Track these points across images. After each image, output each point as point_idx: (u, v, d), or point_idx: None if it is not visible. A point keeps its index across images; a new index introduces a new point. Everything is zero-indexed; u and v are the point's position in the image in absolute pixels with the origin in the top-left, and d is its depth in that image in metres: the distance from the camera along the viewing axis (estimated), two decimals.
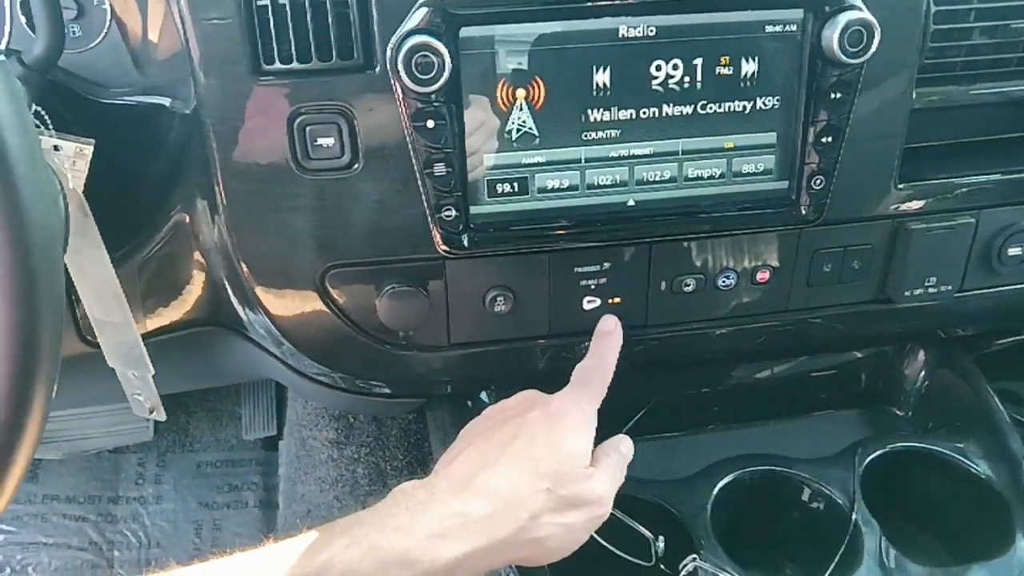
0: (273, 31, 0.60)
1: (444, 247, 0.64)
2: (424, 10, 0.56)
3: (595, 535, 0.65)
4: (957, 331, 0.89)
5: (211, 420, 1.42)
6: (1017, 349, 0.98)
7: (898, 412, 0.92)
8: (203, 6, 0.60)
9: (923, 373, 0.91)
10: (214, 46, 0.61)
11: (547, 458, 0.60)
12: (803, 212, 0.66)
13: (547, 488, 0.59)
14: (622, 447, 0.66)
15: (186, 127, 0.67)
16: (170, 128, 0.70)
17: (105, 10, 0.70)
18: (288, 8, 0.59)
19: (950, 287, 0.79)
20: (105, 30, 0.71)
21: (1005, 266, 0.79)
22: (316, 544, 0.53)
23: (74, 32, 0.71)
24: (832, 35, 0.60)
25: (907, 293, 0.78)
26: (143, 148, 0.71)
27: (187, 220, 0.70)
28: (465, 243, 0.64)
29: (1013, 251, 0.79)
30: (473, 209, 0.63)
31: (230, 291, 0.72)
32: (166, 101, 0.70)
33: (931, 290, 0.78)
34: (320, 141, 0.63)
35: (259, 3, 0.59)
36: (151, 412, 0.70)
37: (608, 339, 0.70)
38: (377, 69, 0.61)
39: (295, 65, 0.61)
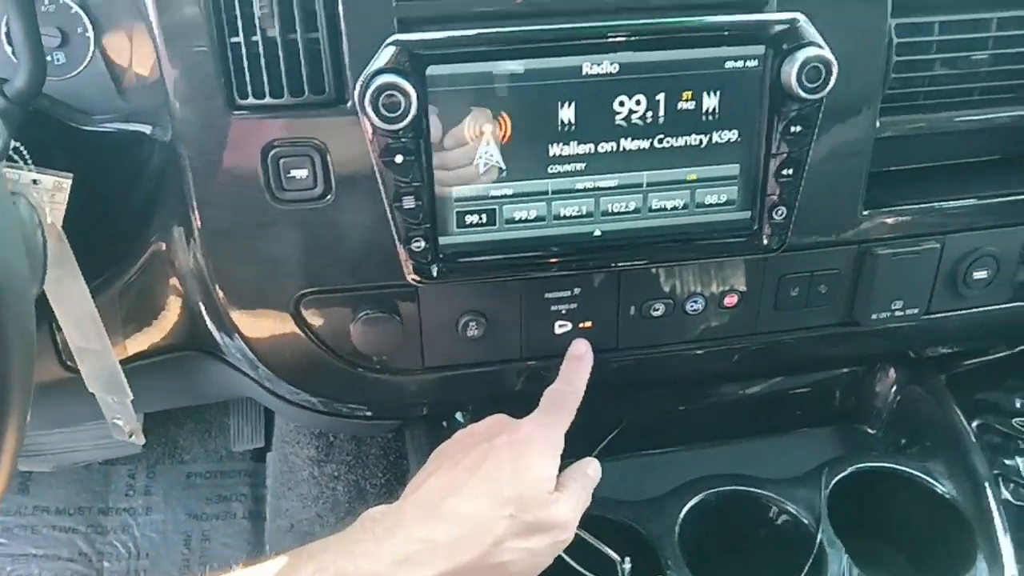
0: (246, 67, 0.61)
1: (413, 277, 0.65)
2: (392, 49, 0.58)
3: (563, 555, 0.66)
4: (926, 352, 0.90)
5: (200, 432, 1.44)
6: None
7: (869, 430, 0.94)
8: (178, 41, 0.61)
9: (893, 392, 0.93)
10: (189, 80, 0.62)
11: (512, 483, 0.61)
12: (765, 242, 0.68)
13: (510, 514, 0.60)
14: (589, 470, 0.68)
15: (165, 154, 0.69)
16: (151, 155, 0.72)
17: (89, 38, 0.72)
18: (260, 44, 0.61)
19: (916, 310, 0.80)
20: (88, 58, 0.73)
21: (971, 289, 0.81)
22: (284, 570, 0.54)
23: (57, 60, 0.73)
24: (791, 71, 0.61)
25: (874, 316, 0.79)
26: (125, 175, 0.73)
27: (164, 247, 0.72)
28: (434, 273, 0.65)
29: (978, 275, 0.80)
30: (442, 240, 0.65)
31: (207, 317, 0.73)
32: (147, 128, 0.71)
33: (897, 313, 0.80)
34: (293, 173, 0.64)
35: (232, 40, 0.61)
36: (130, 436, 0.72)
37: (578, 363, 0.72)
38: (349, 104, 0.62)
39: (268, 100, 0.62)
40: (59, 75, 0.73)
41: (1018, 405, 1.14)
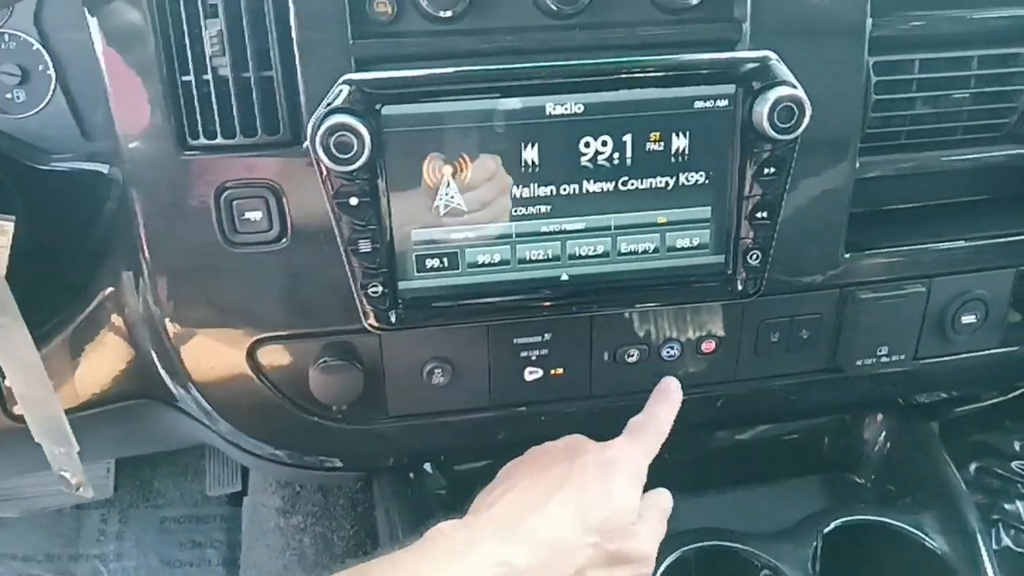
0: (197, 106, 0.59)
1: (372, 323, 0.63)
2: (344, 88, 0.56)
3: None
4: (915, 398, 0.87)
5: (175, 475, 1.40)
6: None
7: (858, 480, 0.90)
8: (127, 79, 0.60)
9: (883, 440, 0.89)
10: (139, 119, 0.60)
11: (597, 509, 0.57)
12: (740, 287, 0.65)
13: (595, 542, 0.56)
14: (664, 501, 0.64)
15: (120, 195, 0.67)
16: (107, 197, 0.69)
17: (50, 76, 0.70)
18: (212, 83, 0.59)
19: (903, 356, 0.77)
20: (49, 96, 0.71)
21: (959, 334, 0.78)
22: None
23: (17, 97, 0.71)
24: (763, 111, 0.59)
25: (858, 363, 0.76)
26: (80, 217, 0.71)
27: (115, 292, 0.69)
28: (393, 319, 0.62)
29: (967, 319, 0.78)
30: (402, 284, 0.62)
31: (159, 365, 0.70)
32: (105, 168, 0.69)
33: (883, 359, 0.77)
34: (248, 215, 0.62)
35: (183, 78, 0.59)
36: (77, 489, 0.68)
37: (664, 398, 0.68)
38: (304, 144, 0.60)
39: (220, 140, 0.60)
40: (18, 113, 0.71)
41: (1017, 448, 1.11)
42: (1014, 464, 1.11)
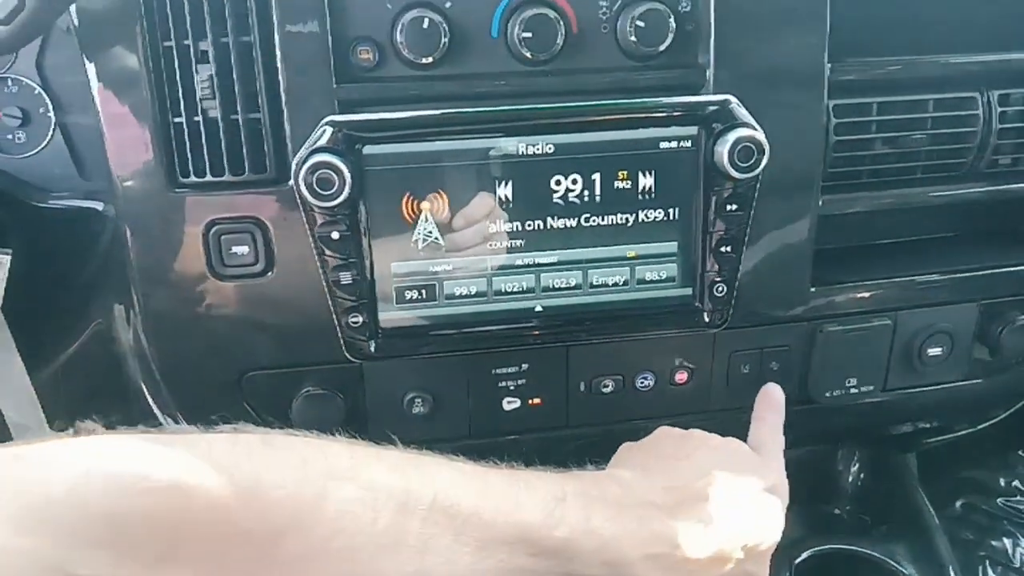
0: (188, 146, 0.62)
1: (352, 353, 0.65)
2: (328, 129, 0.59)
3: None
4: (889, 429, 0.89)
5: None
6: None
7: (834, 510, 0.92)
8: (122, 119, 0.63)
9: (856, 471, 0.91)
10: (132, 158, 0.63)
11: (754, 534, 0.57)
12: (707, 318, 0.68)
13: (740, 558, 0.56)
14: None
15: (113, 231, 0.69)
16: (101, 232, 0.72)
17: (50, 118, 0.73)
18: (202, 124, 0.62)
19: (872, 387, 0.80)
20: (48, 137, 0.74)
21: (927, 366, 0.80)
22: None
23: (18, 139, 0.74)
24: (723, 151, 0.62)
25: (828, 394, 0.78)
26: (76, 251, 0.73)
27: (106, 325, 0.72)
28: (372, 349, 0.65)
29: (933, 351, 0.80)
30: (382, 315, 0.65)
31: (149, 397, 0.72)
32: (100, 205, 0.72)
33: (852, 391, 0.79)
34: (235, 249, 0.65)
35: (175, 120, 0.62)
36: None
37: (770, 404, 0.71)
38: (290, 183, 0.63)
39: (209, 178, 0.63)
40: (19, 153, 0.74)
41: (1001, 484, 1.12)
42: (999, 501, 1.12)
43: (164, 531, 0.39)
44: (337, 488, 0.44)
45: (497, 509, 0.49)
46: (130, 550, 0.39)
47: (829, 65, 0.69)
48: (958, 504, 1.13)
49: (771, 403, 0.72)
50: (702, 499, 0.57)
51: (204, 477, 0.40)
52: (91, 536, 0.38)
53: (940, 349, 0.80)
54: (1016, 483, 1.08)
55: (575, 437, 0.77)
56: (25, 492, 0.38)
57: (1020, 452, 1.07)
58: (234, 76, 0.62)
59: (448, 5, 0.63)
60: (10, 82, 0.73)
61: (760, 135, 0.62)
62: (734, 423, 0.79)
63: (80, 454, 0.40)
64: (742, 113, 0.63)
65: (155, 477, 0.39)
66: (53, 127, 0.74)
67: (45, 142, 0.74)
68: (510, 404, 0.74)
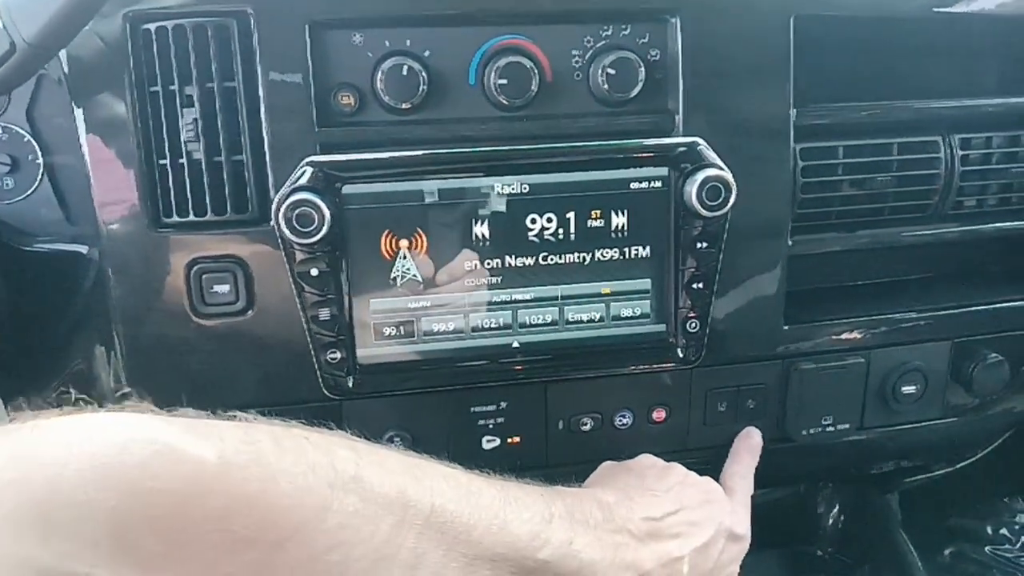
0: (172, 187, 0.64)
1: (328, 391, 0.65)
2: (308, 169, 0.61)
3: None
4: (868, 468, 0.90)
5: None
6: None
7: (818, 552, 0.91)
8: (107, 161, 0.64)
9: (837, 512, 0.91)
10: (117, 198, 0.65)
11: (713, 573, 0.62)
12: (681, 354, 0.69)
13: None
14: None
15: (96, 274, 0.70)
16: (85, 276, 0.73)
17: (38, 164, 0.75)
18: (186, 167, 0.64)
19: (848, 425, 0.80)
20: (36, 183, 0.75)
21: (902, 404, 0.81)
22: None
23: (6, 184, 0.75)
24: (692, 190, 0.64)
25: (804, 432, 0.79)
26: (58, 294, 0.74)
27: (87, 367, 0.72)
28: (350, 385, 0.65)
29: (907, 389, 0.81)
30: (360, 352, 0.66)
31: None
32: (84, 249, 0.73)
33: (828, 429, 0.80)
34: (216, 288, 0.66)
35: (160, 162, 0.64)
36: None
37: (748, 445, 0.76)
38: (271, 222, 0.64)
39: (192, 218, 0.64)
40: (6, 199, 0.75)
41: (989, 532, 1.12)
42: (987, 549, 1.11)
43: (165, 534, 0.40)
44: (340, 500, 0.45)
45: (487, 527, 0.51)
46: (130, 551, 0.39)
47: (795, 111, 0.71)
48: (947, 552, 1.12)
49: (749, 444, 0.75)
50: (673, 536, 0.61)
51: (211, 482, 0.41)
52: (92, 536, 0.38)
53: (914, 387, 0.81)
54: (1003, 531, 1.08)
55: (554, 476, 0.77)
56: (28, 490, 0.38)
57: (1006, 499, 1.07)
58: (218, 120, 0.64)
59: (427, 53, 0.66)
60: (0, 130, 0.74)
61: (727, 175, 0.64)
62: (712, 460, 0.80)
63: (87, 443, 0.39)
64: (710, 155, 0.65)
65: (163, 478, 0.40)
66: (41, 173, 0.75)
67: (33, 188, 0.75)
68: (489, 443, 0.74)
